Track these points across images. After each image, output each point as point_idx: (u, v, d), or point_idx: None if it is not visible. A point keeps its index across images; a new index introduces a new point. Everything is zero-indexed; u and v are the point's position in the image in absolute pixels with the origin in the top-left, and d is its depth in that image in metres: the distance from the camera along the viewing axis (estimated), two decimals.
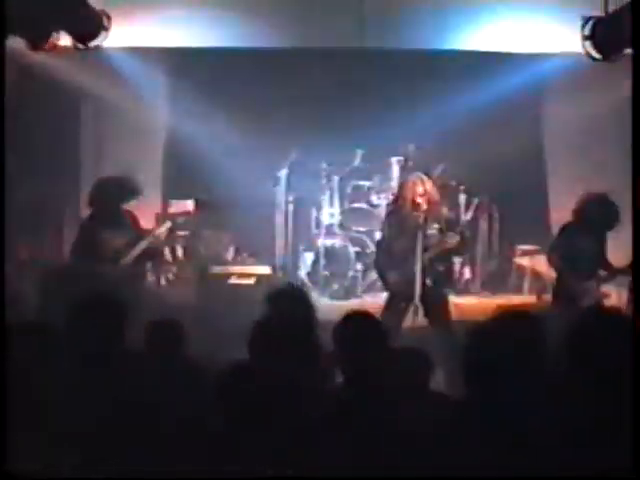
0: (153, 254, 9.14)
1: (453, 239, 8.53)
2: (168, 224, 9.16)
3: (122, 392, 4.25)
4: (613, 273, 8.53)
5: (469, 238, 9.11)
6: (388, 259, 8.70)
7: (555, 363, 4.00)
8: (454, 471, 3.68)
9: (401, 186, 9.08)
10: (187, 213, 11.32)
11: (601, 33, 7.84)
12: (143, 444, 3.85)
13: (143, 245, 8.60)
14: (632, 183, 6.35)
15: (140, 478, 3.48)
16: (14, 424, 3.26)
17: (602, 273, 8.48)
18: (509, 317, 5.18)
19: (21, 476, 3.14)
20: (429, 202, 8.57)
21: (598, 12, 7.83)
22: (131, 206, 8.77)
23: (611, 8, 7.79)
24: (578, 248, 8.45)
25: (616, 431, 3.36)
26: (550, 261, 8.88)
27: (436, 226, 8.54)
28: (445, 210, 9.25)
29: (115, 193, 8.61)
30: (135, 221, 8.80)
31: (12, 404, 3.30)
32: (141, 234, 8.69)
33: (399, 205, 8.85)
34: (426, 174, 9.01)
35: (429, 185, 8.77)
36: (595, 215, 8.46)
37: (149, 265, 9.45)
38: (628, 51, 7.93)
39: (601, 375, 3.51)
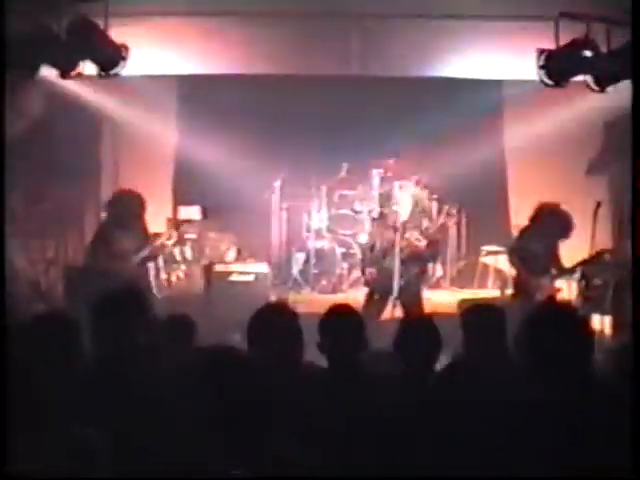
0: (157, 256, 9.31)
1: (420, 242, 8.63)
2: (173, 232, 9.36)
3: (132, 388, 4.05)
4: (564, 272, 8.64)
5: (439, 245, 9.16)
6: (368, 259, 8.84)
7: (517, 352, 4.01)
8: (440, 463, 3.67)
9: (382, 196, 9.20)
10: (194, 219, 11.41)
11: (553, 63, 7.97)
12: (151, 440, 3.82)
13: (148, 250, 8.81)
14: (632, 183, 6.41)
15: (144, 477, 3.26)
16: (14, 424, 2.98)
17: (554, 271, 8.59)
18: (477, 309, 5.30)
19: (21, 476, 2.88)
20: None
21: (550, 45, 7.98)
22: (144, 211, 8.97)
23: (562, 42, 7.94)
24: (533, 250, 8.55)
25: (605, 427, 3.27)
26: (510, 261, 9.00)
27: (407, 235, 8.65)
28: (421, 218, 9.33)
29: (126, 204, 8.85)
30: (143, 228, 9.00)
31: (12, 404, 3.02)
32: (149, 240, 8.89)
33: (380, 212, 8.99)
34: (403, 185, 9.15)
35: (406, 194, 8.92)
36: (548, 222, 8.57)
37: (161, 264, 9.53)
38: (576, 78, 8.09)
39: (555, 363, 3.44)
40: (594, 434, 3.26)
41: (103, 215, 9.37)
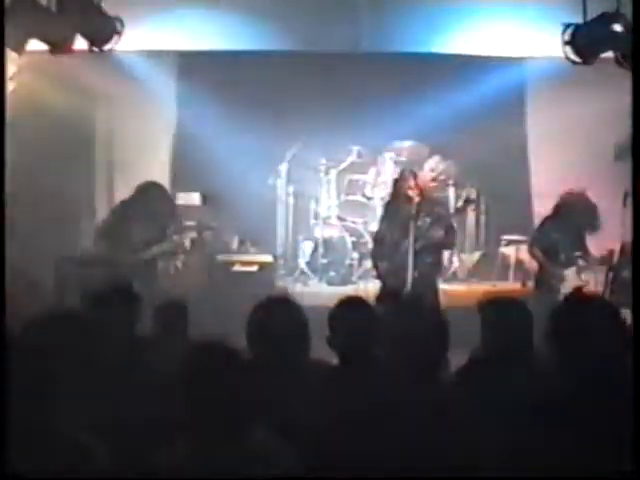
0: (168, 254, 9.35)
1: (437, 232, 8.55)
2: (192, 235, 9.41)
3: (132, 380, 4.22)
4: (591, 262, 8.60)
5: (456, 232, 9.08)
6: (380, 249, 8.76)
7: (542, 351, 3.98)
8: (446, 459, 3.62)
9: (395, 181, 9.12)
10: (194, 206, 11.37)
11: (580, 38, 7.89)
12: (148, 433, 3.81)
13: (162, 248, 8.86)
14: (632, 183, 6.36)
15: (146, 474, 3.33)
16: (14, 424, 3.01)
17: (581, 263, 8.54)
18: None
19: (21, 476, 2.93)
20: (420, 195, 8.60)
21: (578, 19, 7.89)
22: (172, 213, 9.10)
23: (589, 15, 7.85)
24: (557, 240, 8.51)
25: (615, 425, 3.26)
26: (531, 252, 8.95)
27: (427, 219, 8.57)
28: (436, 204, 9.25)
29: (152, 197, 9.12)
30: (161, 225, 9.14)
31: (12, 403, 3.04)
32: (161, 236, 8.93)
33: (392, 198, 8.91)
34: (418, 169, 9.09)
35: (420, 179, 8.84)
36: (573, 211, 8.53)
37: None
38: (606, 54, 8.00)
39: (588, 361, 3.43)
40: (613, 432, 3.25)
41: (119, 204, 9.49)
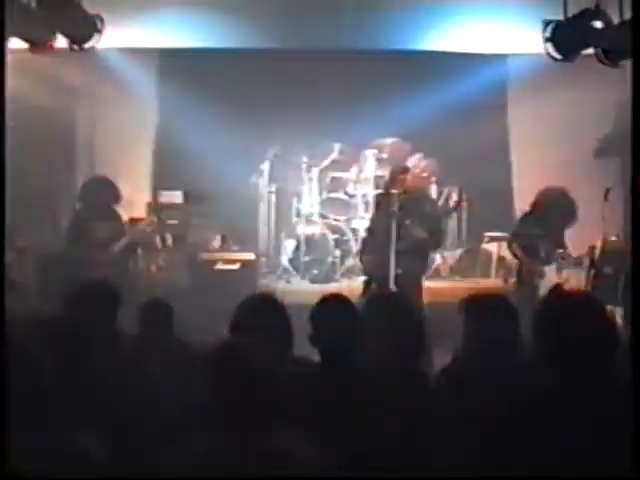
0: (137, 245, 9.34)
1: (420, 234, 8.56)
2: (153, 219, 9.44)
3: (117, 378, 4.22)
4: (570, 261, 8.61)
5: (442, 232, 9.08)
6: (368, 244, 8.81)
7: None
8: (439, 462, 3.67)
9: (387, 177, 9.16)
10: (176, 204, 11.35)
11: (561, 35, 7.90)
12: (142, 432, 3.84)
13: (127, 238, 8.93)
14: (631, 183, 6.37)
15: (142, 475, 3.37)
16: (14, 423, 3.01)
17: (560, 260, 8.56)
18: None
19: (21, 476, 2.94)
20: (405, 193, 8.62)
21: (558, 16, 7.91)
22: (119, 200, 9.04)
23: (570, 12, 7.87)
24: (536, 237, 8.53)
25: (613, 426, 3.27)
26: (510, 249, 8.97)
27: (413, 218, 8.57)
28: (425, 203, 9.25)
29: (99, 192, 9.11)
30: (118, 217, 9.20)
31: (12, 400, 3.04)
32: (124, 228, 8.99)
33: (377, 196, 8.95)
34: (400, 167, 9.09)
35: (410, 176, 8.86)
36: (552, 207, 8.55)
37: (140, 252, 9.52)
38: (586, 51, 8.02)
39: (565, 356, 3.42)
40: (599, 430, 3.26)
41: (77, 204, 9.45)
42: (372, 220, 9.01)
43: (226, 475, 3.01)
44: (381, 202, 8.90)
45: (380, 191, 9.18)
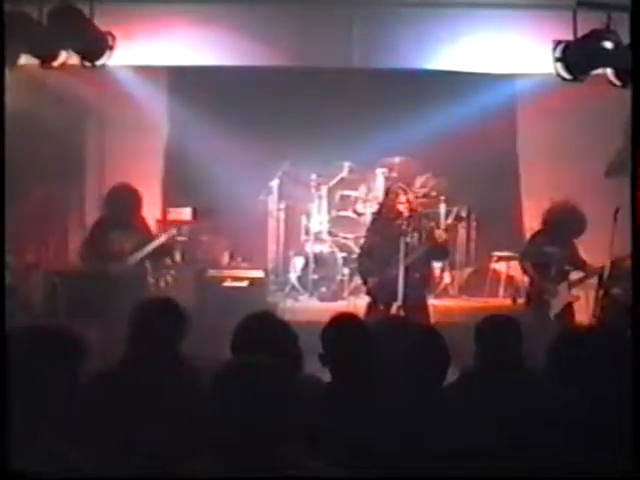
0: (157, 256, 9.27)
1: (426, 249, 8.52)
2: (173, 231, 9.32)
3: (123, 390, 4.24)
4: (588, 272, 8.60)
5: (446, 247, 9.02)
6: (369, 264, 8.74)
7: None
8: (442, 468, 3.64)
9: (385, 196, 9.13)
10: (185, 220, 11.34)
11: (571, 55, 7.90)
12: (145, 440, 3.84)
13: (148, 249, 8.82)
14: (631, 183, 6.34)
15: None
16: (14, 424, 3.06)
17: (573, 276, 8.55)
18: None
19: (21, 476, 2.97)
20: (410, 210, 8.61)
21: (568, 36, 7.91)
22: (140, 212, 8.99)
23: (580, 33, 7.87)
24: (547, 254, 8.52)
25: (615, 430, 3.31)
26: (522, 266, 8.96)
27: (416, 235, 8.56)
28: (426, 220, 9.23)
29: (126, 199, 8.89)
30: (144, 225, 9.08)
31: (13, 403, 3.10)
32: (147, 238, 8.88)
33: (382, 213, 8.90)
34: (408, 185, 9.09)
35: (411, 195, 8.85)
36: (561, 222, 8.54)
37: (150, 268, 9.49)
38: (596, 72, 8.02)
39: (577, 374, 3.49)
40: (600, 434, 3.33)
41: (99, 214, 9.34)
42: (373, 238, 8.90)
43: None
44: (384, 220, 8.82)
45: (380, 210, 9.08)
